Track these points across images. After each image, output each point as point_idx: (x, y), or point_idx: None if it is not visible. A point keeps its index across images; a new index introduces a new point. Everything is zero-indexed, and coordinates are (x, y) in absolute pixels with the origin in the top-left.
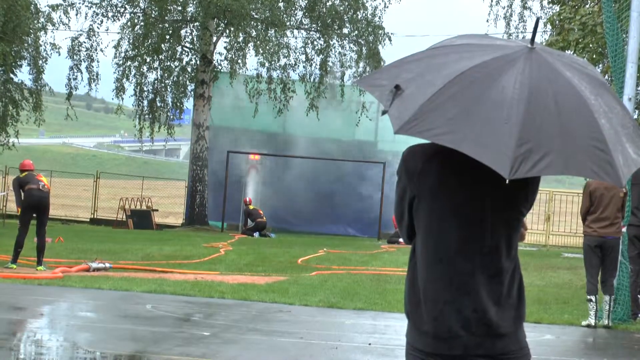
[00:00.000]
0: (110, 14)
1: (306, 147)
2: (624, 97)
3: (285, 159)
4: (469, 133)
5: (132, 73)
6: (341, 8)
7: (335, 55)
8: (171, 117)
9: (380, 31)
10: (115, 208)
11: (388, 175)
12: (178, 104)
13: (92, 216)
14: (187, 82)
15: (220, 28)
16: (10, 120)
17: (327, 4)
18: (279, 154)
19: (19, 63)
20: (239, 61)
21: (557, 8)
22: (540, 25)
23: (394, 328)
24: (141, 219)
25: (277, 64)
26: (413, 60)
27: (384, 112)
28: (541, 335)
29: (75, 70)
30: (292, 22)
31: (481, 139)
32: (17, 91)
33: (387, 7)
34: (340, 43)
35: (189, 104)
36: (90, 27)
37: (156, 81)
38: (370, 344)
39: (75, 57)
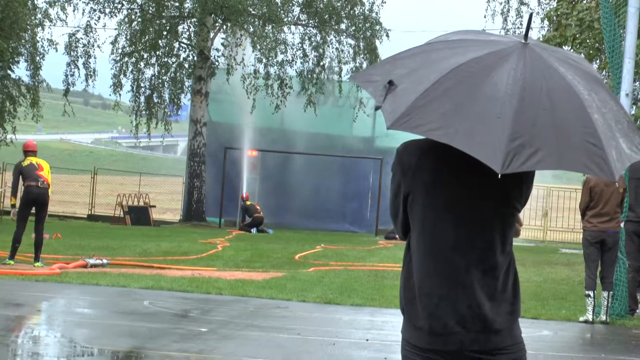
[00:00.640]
0: (107, 10)
1: (304, 143)
2: (621, 92)
3: (282, 155)
4: (461, 128)
5: (129, 69)
6: (338, 4)
7: (332, 51)
8: (168, 113)
9: (377, 27)
10: (112, 204)
11: (385, 171)
12: (175, 100)
13: (89, 212)
14: (185, 78)
15: (217, 24)
16: (8, 117)
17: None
18: (276, 150)
19: (16, 59)
20: (236, 57)
21: (554, 3)
22: (538, 21)
23: (392, 324)
24: (139, 215)
25: (275, 60)
26: (407, 56)
27: (377, 108)
28: (539, 331)
29: (72, 67)
30: (289, 18)
31: (474, 134)
32: (14, 87)
33: (385, 2)
34: (337, 39)
35: (186, 100)
36: (88, 23)
37: (153, 77)
38: (367, 340)
39: (72, 53)
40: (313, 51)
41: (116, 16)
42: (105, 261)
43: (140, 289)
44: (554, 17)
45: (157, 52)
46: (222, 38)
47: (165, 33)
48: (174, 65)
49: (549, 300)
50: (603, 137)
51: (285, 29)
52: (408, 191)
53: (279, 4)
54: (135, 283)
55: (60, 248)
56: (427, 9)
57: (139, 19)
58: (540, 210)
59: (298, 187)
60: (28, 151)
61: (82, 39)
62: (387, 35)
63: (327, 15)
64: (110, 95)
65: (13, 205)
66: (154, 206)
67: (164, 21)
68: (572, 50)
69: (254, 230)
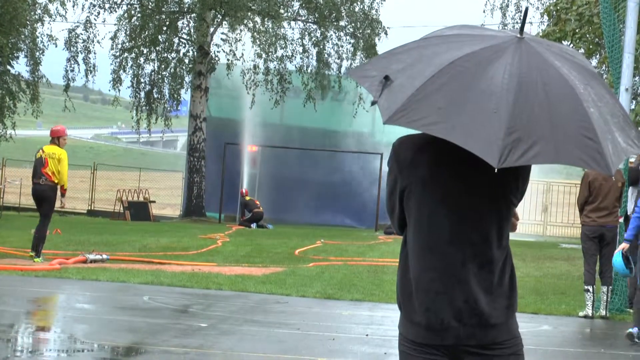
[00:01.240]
0: (107, 6)
1: (303, 138)
2: (621, 87)
3: (282, 150)
4: (457, 122)
5: (129, 65)
6: (338, 0)
7: (331, 47)
8: (168, 108)
9: (377, 24)
10: (112, 200)
11: (385, 167)
12: (175, 96)
13: (89, 208)
14: (184, 73)
15: (217, 19)
16: (7, 112)
17: None
18: (276, 146)
19: (15, 55)
20: (236, 53)
21: None
22: (537, 15)
23: (391, 319)
24: (138, 210)
25: (274, 55)
26: (403, 51)
27: (373, 103)
28: (539, 326)
29: (72, 62)
30: (288, 14)
31: (470, 129)
32: (14, 83)
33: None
34: (337, 35)
35: (186, 95)
36: (87, 18)
37: (153, 72)
38: (367, 335)
39: (72, 48)
40: (313, 47)
41: (116, 11)
42: (105, 256)
43: (139, 284)
44: (554, 12)
45: (157, 48)
46: (222, 33)
47: (164, 28)
48: (173, 61)
49: (548, 295)
50: (599, 131)
51: (285, 24)
52: (404, 186)
53: None
54: (134, 278)
55: (60, 243)
56: (426, 4)
57: (139, 14)
58: (540, 205)
59: (298, 182)
60: (51, 138)
61: (81, 34)
62: (386, 34)
63: (326, 11)
64: (110, 90)
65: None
66: (154, 201)
67: (163, 16)
68: (571, 45)
69: (253, 225)
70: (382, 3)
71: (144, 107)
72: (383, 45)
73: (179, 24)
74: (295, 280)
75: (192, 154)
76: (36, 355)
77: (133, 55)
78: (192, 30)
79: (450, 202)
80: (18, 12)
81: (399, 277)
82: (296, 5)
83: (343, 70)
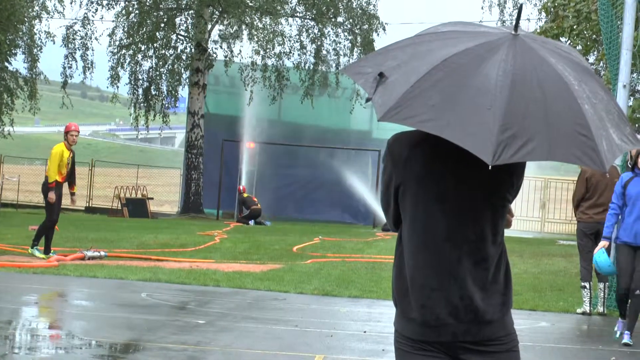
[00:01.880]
0: (105, 2)
1: (301, 135)
2: (619, 84)
3: (280, 147)
4: (452, 119)
5: (127, 61)
6: None
7: (329, 44)
8: (166, 105)
9: (374, 20)
10: (110, 196)
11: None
12: (173, 92)
13: (87, 205)
14: (182, 70)
15: (214, 16)
16: (5, 109)
17: None
18: (274, 142)
19: (13, 51)
20: (233, 49)
21: None
22: (535, 12)
23: (389, 316)
24: (136, 207)
25: (272, 52)
26: (398, 48)
27: (367, 100)
28: (536, 323)
29: (70, 59)
30: (286, 10)
31: (464, 125)
32: (12, 80)
33: None
34: (334, 31)
35: (183, 92)
36: (85, 15)
37: (151, 69)
38: (365, 332)
39: (70, 45)
40: (311, 43)
41: (113, 8)
42: (102, 253)
43: (137, 281)
44: (551, 9)
45: (155, 44)
46: (220, 30)
47: (162, 25)
48: (171, 58)
49: (546, 291)
50: (593, 128)
51: (283, 20)
52: (399, 183)
53: None
54: (132, 275)
55: (58, 240)
56: (425, 0)
57: (137, 11)
58: (538, 202)
59: (296, 179)
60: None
61: (79, 31)
62: (384, 29)
63: (324, 8)
64: (107, 87)
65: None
66: (152, 198)
67: (161, 13)
68: (569, 42)
69: (251, 222)
70: None
71: (141, 104)
72: (381, 42)
73: (177, 20)
74: (293, 277)
75: (190, 151)
76: (34, 353)
77: (131, 52)
78: (189, 27)
79: (445, 198)
80: (16, 8)
81: (395, 274)
82: (294, 1)
83: (341, 66)
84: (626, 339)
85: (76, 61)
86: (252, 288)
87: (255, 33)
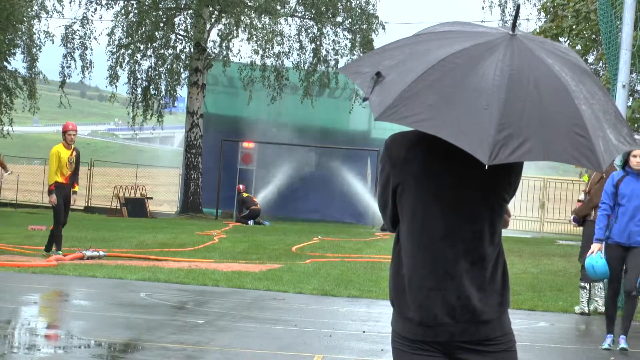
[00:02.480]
0: (104, 2)
1: (300, 135)
2: (618, 84)
3: (278, 146)
4: (448, 119)
5: (126, 61)
6: None
7: (328, 44)
8: (165, 104)
9: (373, 20)
10: (109, 196)
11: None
12: (172, 92)
13: (86, 204)
14: (181, 70)
15: (213, 16)
16: (4, 109)
17: None
18: (273, 142)
19: (12, 51)
20: (232, 49)
21: None
22: (534, 12)
23: (388, 316)
24: (135, 207)
25: (271, 52)
26: (395, 47)
27: (364, 99)
28: (536, 323)
29: (68, 59)
30: (285, 10)
31: (461, 125)
32: (10, 79)
33: None
34: (334, 31)
35: (182, 91)
36: (84, 15)
37: (150, 69)
38: (364, 332)
39: (68, 45)
40: (310, 43)
41: (112, 8)
42: (101, 253)
43: (136, 280)
44: (551, 8)
45: (154, 44)
46: (219, 30)
47: (161, 25)
48: (170, 57)
49: (545, 291)
50: (590, 129)
51: (282, 20)
52: (397, 183)
53: None
54: (131, 275)
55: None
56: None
57: (136, 11)
58: (537, 202)
59: (294, 179)
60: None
61: (78, 30)
62: (384, 28)
63: (323, 7)
64: (106, 87)
65: None
66: (151, 198)
67: (160, 13)
68: (568, 41)
69: (250, 222)
70: None
71: (140, 104)
72: (380, 41)
73: (176, 20)
74: (292, 277)
75: (189, 151)
76: (33, 352)
77: (130, 51)
78: (188, 27)
79: (443, 198)
80: (15, 8)
81: (392, 274)
82: (293, 1)
83: (340, 66)
84: (622, 343)
85: (75, 61)
86: (251, 288)
87: (254, 33)
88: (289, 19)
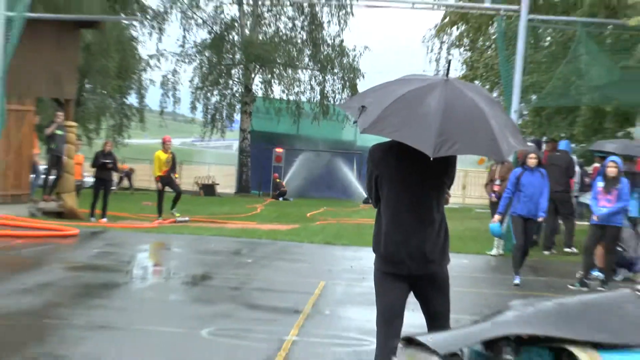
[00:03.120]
0: (186, 60)
1: (312, 144)
2: (512, 109)
3: (299, 151)
4: (407, 130)
5: (201, 97)
6: (333, 55)
7: (329, 86)
8: (225, 125)
9: (357, 71)
10: (191, 183)
11: (363, 161)
12: (230, 117)
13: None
14: (236, 103)
15: (256, 69)
16: (124, 128)
17: (324, 53)
18: (294, 148)
19: (128, 92)
20: (269, 90)
21: (469, 53)
22: (457, 64)
23: (368, 257)
24: (208, 190)
25: (293, 91)
26: (372, 90)
27: (354, 122)
28: (460, 260)
29: (165, 96)
30: (302, 64)
31: (415, 134)
32: (128, 110)
33: (362, 55)
34: (332, 78)
35: (237, 116)
36: (175, 69)
37: (216, 102)
38: (352, 267)
39: (164, 87)
40: (317, 85)
41: (192, 63)
42: (187, 219)
43: (209, 235)
44: (470, 62)
45: (218, 87)
46: (260, 77)
47: (223, 74)
48: (229, 95)
49: (467, 240)
50: (497, 135)
51: (300, 71)
52: (377, 174)
53: (295, 55)
54: (206, 232)
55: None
56: (392, 57)
57: (207, 65)
58: (460, 185)
59: (309, 171)
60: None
61: (171, 78)
62: (364, 77)
63: (326, 63)
64: (189, 114)
65: None
66: (218, 184)
67: (222, 67)
68: (480, 83)
69: (281, 199)
70: (360, 57)
71: (209, 125)
72: (362, 85)
73: (232, 71)
74: (307, 233)
75: (241, 154)
76: (145, 281)
77: (203, 91)
78: (240, 76)
79: (407, 184)
80: (130, 65)
81: (375, 232)
82: (306, 59)
83: (336, 102)
84: (516, 280)
85: (169, 97)
86: (281, 239)
87: (282, 79)
88: (304, 70)
